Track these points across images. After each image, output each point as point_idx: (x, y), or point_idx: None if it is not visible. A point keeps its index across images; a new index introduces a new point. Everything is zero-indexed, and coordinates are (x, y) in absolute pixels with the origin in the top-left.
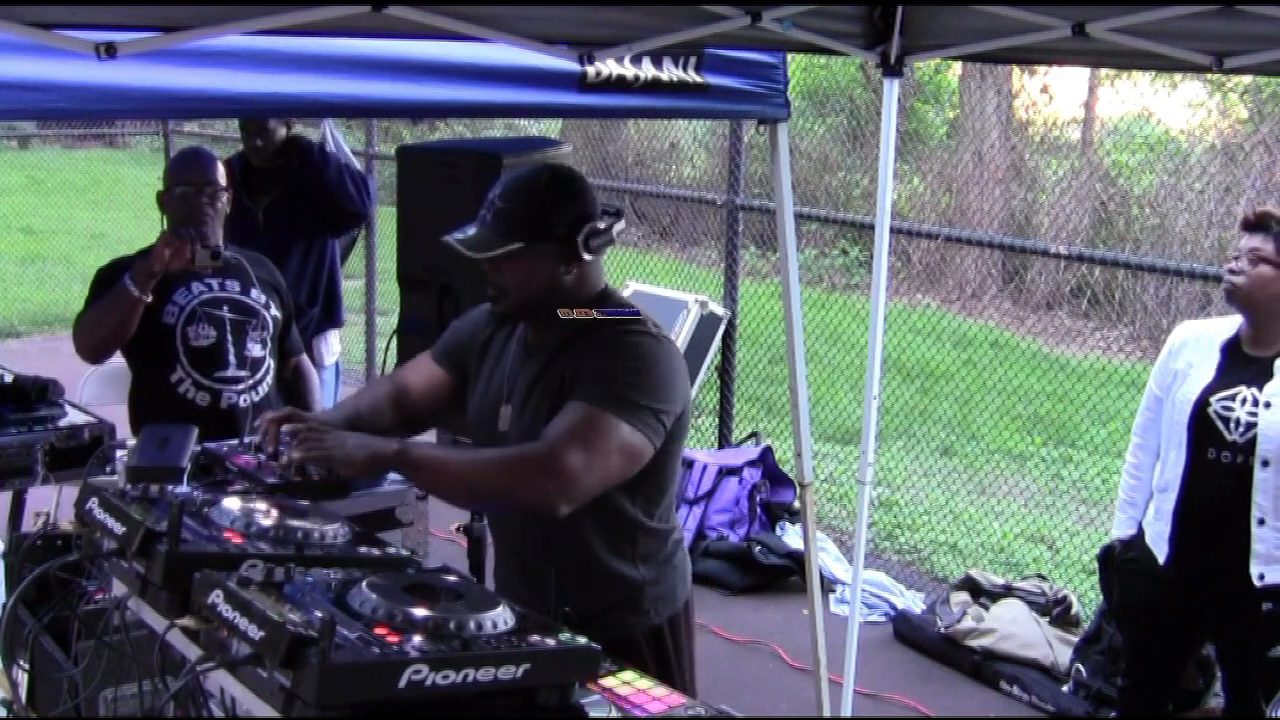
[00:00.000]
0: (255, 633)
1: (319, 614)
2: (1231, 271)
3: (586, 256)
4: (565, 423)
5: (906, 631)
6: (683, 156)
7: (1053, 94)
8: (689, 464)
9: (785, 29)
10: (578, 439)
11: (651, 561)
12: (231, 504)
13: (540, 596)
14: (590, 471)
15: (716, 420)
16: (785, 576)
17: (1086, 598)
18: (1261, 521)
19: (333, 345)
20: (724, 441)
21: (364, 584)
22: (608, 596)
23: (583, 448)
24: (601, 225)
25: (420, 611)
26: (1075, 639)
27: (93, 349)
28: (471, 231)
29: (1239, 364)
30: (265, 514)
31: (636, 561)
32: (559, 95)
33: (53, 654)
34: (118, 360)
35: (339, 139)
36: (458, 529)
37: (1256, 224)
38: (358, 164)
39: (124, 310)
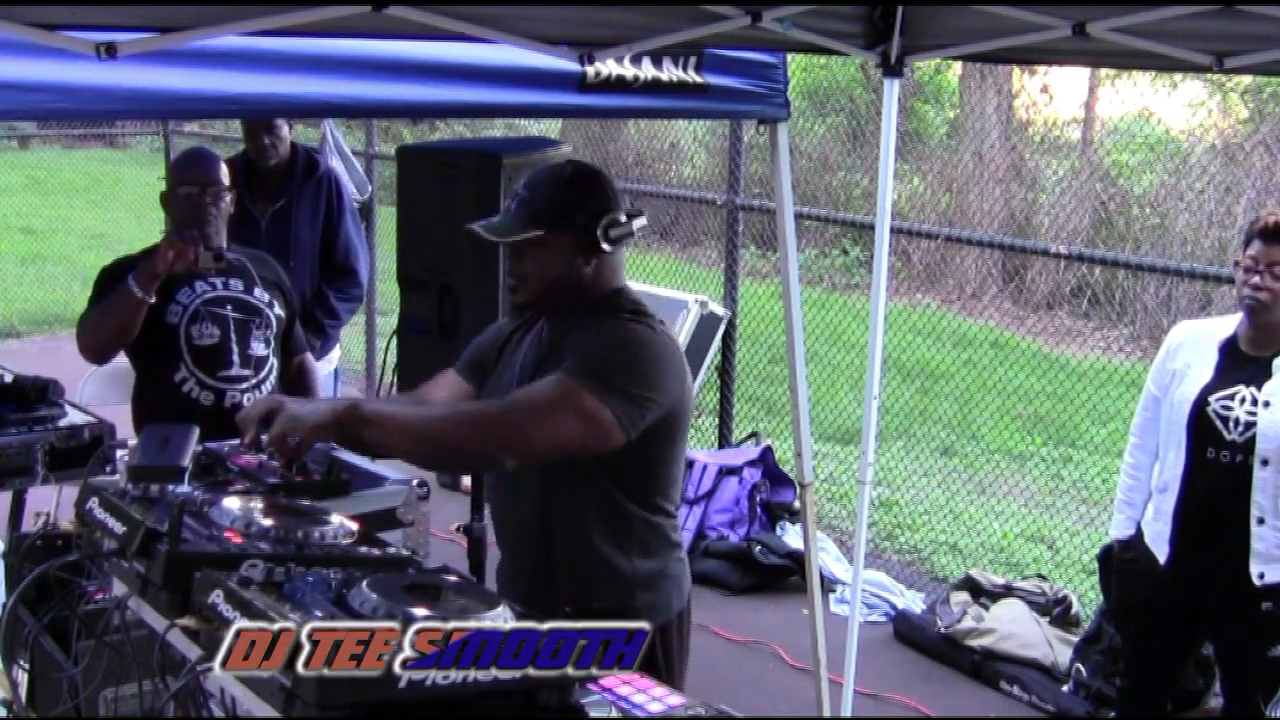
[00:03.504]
0: None
1: (319, 612)
2: (1255, 286)
3: (606, 247)
4: (532, 386)
5: (906, 631)
6: (683, 156)
7: (1053, 94)
8: (689, 464)
9: (785, 29)
10: (537, 399)
11: (646, 557)
12: (232, 504)
13: (537, 588)
14: (542, 431)
15: (716, 420)
16: (785, 576)
17: (1086, 598)
18: (1261, 520)
19: (331, 354)
20: (724, 441)
21: (364, 584)
22: (599, 591)
23: (540, 408)
24: (622, 218)
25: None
26: (1075, 639)
27: (96, 349)
28: (496, 220)
29: (1237, 363)
30: (265, 514)
31: (631, 555)
32: (559, 95)
33: (53, 654)
34: (118, 360)
35: (339, 139)
36: (458, 529)
37: (1278, 233)
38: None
39: (127, 311)
